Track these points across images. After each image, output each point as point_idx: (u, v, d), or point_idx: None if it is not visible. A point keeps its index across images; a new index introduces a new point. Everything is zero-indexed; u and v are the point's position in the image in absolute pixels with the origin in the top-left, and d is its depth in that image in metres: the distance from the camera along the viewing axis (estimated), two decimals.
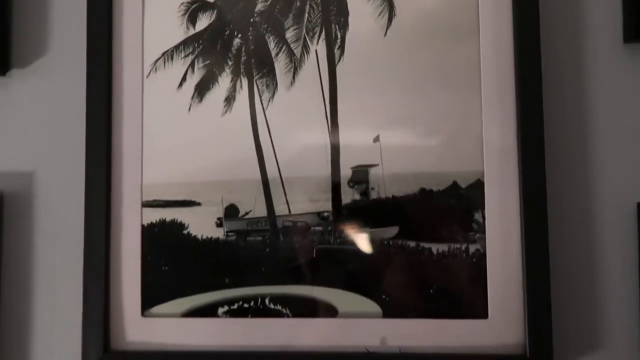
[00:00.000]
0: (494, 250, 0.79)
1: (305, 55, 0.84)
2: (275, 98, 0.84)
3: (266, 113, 0.84)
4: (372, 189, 0.82)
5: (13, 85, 0.90)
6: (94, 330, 0.82)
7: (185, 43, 0.86)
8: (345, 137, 0.83)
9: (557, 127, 0.82)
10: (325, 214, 0.83)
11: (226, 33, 0.86)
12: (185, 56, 0.86)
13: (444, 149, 0.81)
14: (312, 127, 0.83)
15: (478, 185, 0.80)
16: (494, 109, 0.81)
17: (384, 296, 0.81)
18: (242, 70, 0.85)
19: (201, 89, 0.85)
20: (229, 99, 0.85)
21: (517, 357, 0.78)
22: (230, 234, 0.84)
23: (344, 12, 0.84)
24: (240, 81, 0.85)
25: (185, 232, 0.85)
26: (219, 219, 0.85)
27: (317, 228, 0.83)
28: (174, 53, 0.86)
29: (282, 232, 0.83)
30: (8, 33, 0.90)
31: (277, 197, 0.84)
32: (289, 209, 0.83)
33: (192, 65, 0.86)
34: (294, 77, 0.84)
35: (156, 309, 0.84)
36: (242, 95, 0.85)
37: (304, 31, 0.85)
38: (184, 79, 0.86)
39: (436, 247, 0.81)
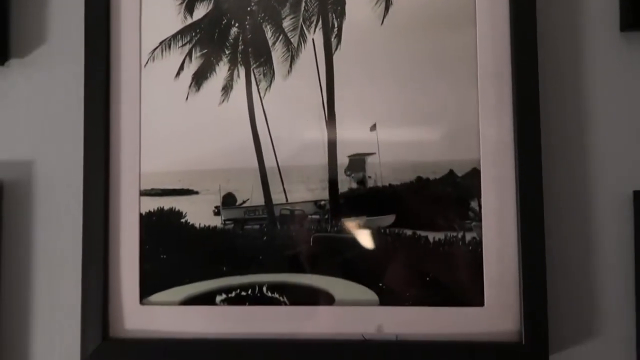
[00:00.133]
0: (490, 239, 0.80)
1: (302, 44, 0.84)
2: (273, 87, 0.84)
3: (263, 102, 0.85)
4: (369, 177, 0.83)
5: (12, 74, 0.91)
6: (93, 318, 0.83)
7: (182, 32, 0.87)
8: (342, 125, 0.83)
9: (553, 116, 0.82)
10: (322, 202, 0.83)
11: (223, 22, 0.86)
12: (183, 45, 0.86)
13: (440, 137, 0.82)
14: (309, 116, 0.84)
15: (474, 174, 0.81)
16: (490, 97, 0.81)
17: (380, 284, 0.81)
18: (239, 59, 0.86)
19: (199, 78, 0.86)
20: (227, 88, 0.85)
21: (513, 345, 0.78)
22: (227, 222, 0.85)
23: (340, 1, 0.84)
24: (238, 70, 0.85)
25: (183, 220, 0.85)
26: (216, 207, 0.85)
27: (314, 216, 0.83)
28: (172, 42, 0.86)
29: (280, 221, 0.84)
30: (7, 23, 0.90)
31: (275, 185, 0.84)
32: (286, 198, 0.84)
33: (189, 54, 0.86)
34: (291, 66, 0.84)
35: (154, 297, 0.85)
36: (240, 85, 0.85)
37: (301, 20, 0.85)
38: (181, 68, 0.86)
39: (433, 236, 0.81)
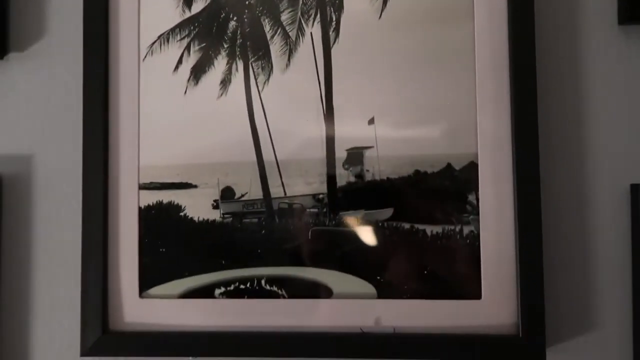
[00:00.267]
0: (488, 232, 0.80)
1: (301, 37, 0.84)
2: (271, 81, 0.85)
3: (262, 96, 0.85)
4: (367, 171, 0.83)
5: (11, 68, 0.91)
6: (92, 311, 0.83)
7: (181, 26, 0.87)
8: (340, 119, 0.83)
9: (551, 109, 0.82)
10: (321, 196, 0.83)
11: (222, 16, 0.86)
12: (181, 39, 0.86)
13: (438, 131, 0.82)
14: (307, 110, 0.84)
15: (472, 167, 0.81)
16: (488, 90, 0.81)
17: (378, 277, 0.81)
18: (237, 53, 0.86)
19: (197, 72, 0.86)
20: (225, 82, 0.85)
21: (510, 337, 0.78)
22: (226, 216, 0.85)
23: None
24: (236, 64, 0.85)
25: (182, 214, 0.85)
26: (215, 201, 0.85)
27: (313, 210, 0.83)
28: (170, 36, 0.86)
29: (278, 214, 0.84)
30: (6, 17, 0.90)
31: (273, 179, 0.84)
32: (285, 191, 0.84)
33: (188, 48, 0.86)
34: (289, 60, 0.84)
35: (154, 290, 0.85)
36: (238, 78, 0.85)
37: (299, 13, 0.85)
38: (180, 61, 0.86)
39: (430, 229, 0.81)
